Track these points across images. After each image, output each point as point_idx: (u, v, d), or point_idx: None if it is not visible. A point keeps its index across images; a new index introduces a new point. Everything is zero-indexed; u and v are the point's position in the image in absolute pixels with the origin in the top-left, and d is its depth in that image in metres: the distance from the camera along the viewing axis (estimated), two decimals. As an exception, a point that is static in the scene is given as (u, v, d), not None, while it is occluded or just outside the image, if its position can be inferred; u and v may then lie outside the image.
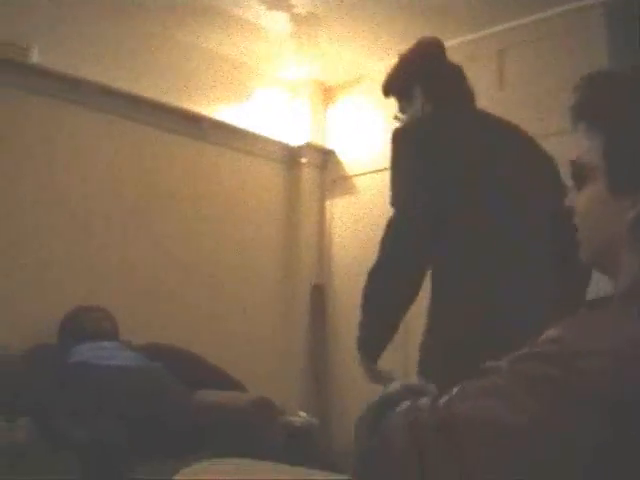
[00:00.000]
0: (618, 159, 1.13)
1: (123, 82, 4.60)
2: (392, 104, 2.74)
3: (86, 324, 4.01)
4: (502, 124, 2.54)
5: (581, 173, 1.19)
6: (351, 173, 5.60)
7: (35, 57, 4.33)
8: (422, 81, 2.56)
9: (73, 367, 3.67)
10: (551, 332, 1.06)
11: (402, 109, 2.67)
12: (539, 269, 2.32)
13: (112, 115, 4.63)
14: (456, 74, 2.60)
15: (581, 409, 0.99)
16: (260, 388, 4.29)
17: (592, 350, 1.00)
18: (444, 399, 1.15)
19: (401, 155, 2.40)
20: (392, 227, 2.34)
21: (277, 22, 4.81)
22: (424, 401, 1.20)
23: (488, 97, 5.02)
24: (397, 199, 2.34)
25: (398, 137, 2.43)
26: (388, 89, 2.72)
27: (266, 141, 5.47)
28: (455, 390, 1.15)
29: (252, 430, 3.61)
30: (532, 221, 2.35)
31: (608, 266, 1.19)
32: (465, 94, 2.58)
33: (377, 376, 2.45)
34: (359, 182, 5.54)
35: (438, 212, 2.25)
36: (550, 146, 4.42)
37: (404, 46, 2.68)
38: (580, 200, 1.20)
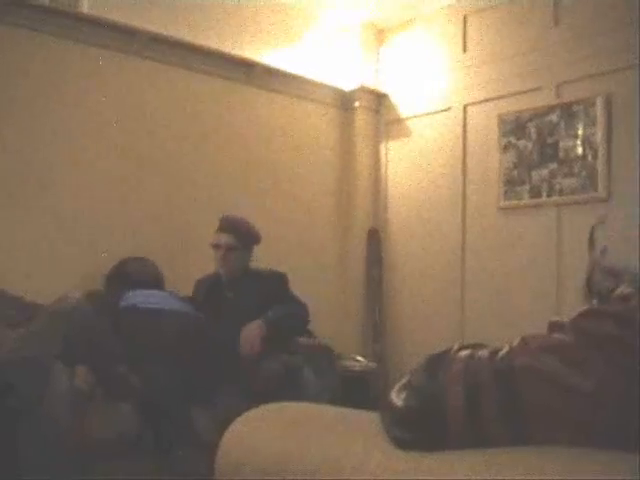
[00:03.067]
0: None
1: (175, 30, 4.61)
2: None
3: (133, 273, 4.06)
4: None
5: None
6: (405, 116, 5.54)
7: (85, 7, 4.36)
8: None
9: (124, 311, 3.71)
10: (621, 289, 1.03)
11: None
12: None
13: (165, 64, 4.65)
14: None
15: None
16: (318, 334, 4.33)
17: None
18: (504, 351, 1.16)
19: None
20: None
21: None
22: (483, 352, 1.20)
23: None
24: None
25: None
26: None
27: (319, 86, 5.43)
28: (515, 342, 1.15)
29: (310, 375, 3.65)
30: None
31: None
32: None
33: None
34: (413, 124, 5.49)
35: None
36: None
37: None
38: None
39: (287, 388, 3.32)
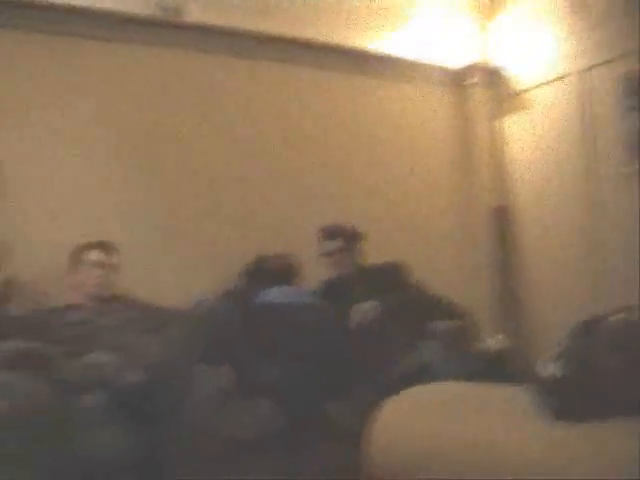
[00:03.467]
0: None
1: (281, 27, 4.63)
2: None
3: (271, 269, 4.12)
4: None
5: None
6: (520, 88, 5.39)
7: (193, 15, 4.42)
8: None
9: (260, 307, 3.79)
10: None
11: None
12: None
13: (272, 61, 4.72)
14: None
15: None
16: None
17: None
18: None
19: None
20: None
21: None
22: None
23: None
24: None
25: None
26: None
27: (430, 67, 5.34)
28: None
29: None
30: None
31: None
32: None
33: None
34: (529, 96, 5.33)
35: None
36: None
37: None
38: None
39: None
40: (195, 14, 4.39)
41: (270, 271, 4.10)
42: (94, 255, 3.70)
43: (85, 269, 3.68)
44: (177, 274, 4.18)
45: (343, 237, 4.08)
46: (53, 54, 4.08)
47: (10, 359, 2.73)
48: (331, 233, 4.10)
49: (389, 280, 3.91)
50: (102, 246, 3.73)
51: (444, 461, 1.29)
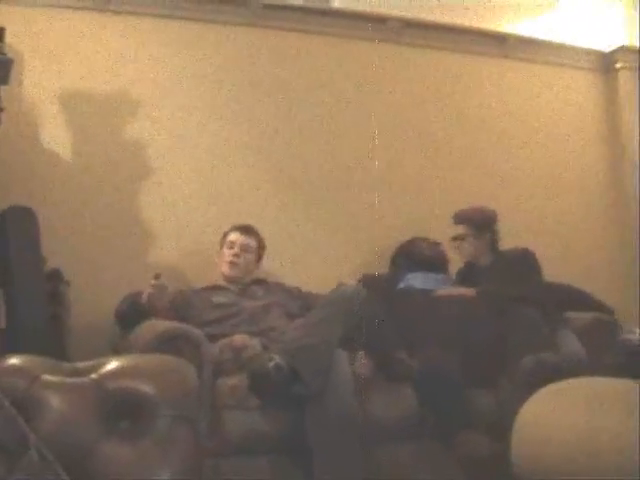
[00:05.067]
0: None
1: (424, 12, 4.64)
2: None
3: (418, 253, 4.12)
4: None
5: None
6: (672, 72, 5.17)
7: (336, 2, 4.52)
8: None
9: (400, 293, 3.81)
10: None
11: None
12: None
13: (416, 47, 4.74)
14: None
15: None
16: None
17: None
18: None
19: None
20: None
21: None
22: None
23: None
24: None
25: None
26: None
27: (576, 50, 5.21)
28: None
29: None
30: None
31: None
32: None
33: None
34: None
35: None
36: None
37: None
38: None
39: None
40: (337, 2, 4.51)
41: (419, 257, 4.10)
42: (232, 236, 3.78)
43: (224, 250, 3.77)
44: (321, 262, 4.25)
45: (468, 223, 3.98)
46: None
47: (159, 340, 2.84)
48: (458, 218, 4.03)
49: (518, 267, 3.82)
50: (241, 228, 3.81)
51: (596, 460, 1.27)
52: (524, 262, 3.83)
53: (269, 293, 3.69)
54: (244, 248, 3.75)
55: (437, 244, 4.20)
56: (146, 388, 1.55)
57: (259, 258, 3.84)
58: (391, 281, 3.99)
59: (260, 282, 3.81)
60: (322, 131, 4.44)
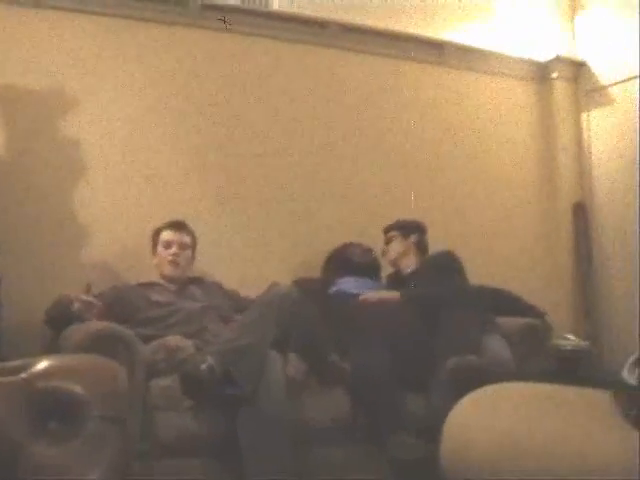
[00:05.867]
0: None
1: (365, 19, 4.68)
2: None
3: (352, 260, 4.13)
4: None
5: None
6: (606, 83, 5.29)
7: (276, 5, 4.51)
8: None
9: (332, 296, 3.83)
10: None
11: None
12: None
13: (356, 52, 4.76)
14: None
15: None
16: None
17: None
18: None
19: None
20: None
21: None
22: None
23: None
24: None
25: None
26: None
27: (513, 59, 5.30)
28: None
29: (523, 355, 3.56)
30: None
31: None
32: None
33: None
34: (614, 92, 5.23)
35: None
36: None
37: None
38: None
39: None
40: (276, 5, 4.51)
41: (352, 262, 4.12)
42: (167, 235, 3.75)
43: (160, 250, 3.73)
44: (254, 263, 4.25)
45: (396, 227, 4.13)
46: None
47: (91, 340, 2.79)
48: (388, 227, 4.17)
49: (439, 269, 3.86)
50: (174, 226, 3.77)
51: (519, 462, 1.29)
52: (445, 264, 3.87)
53: (207, 295, 3.66)
54: (182, 246, 3.71)
55: (370, 250, 4.22)
56: (76, 388, 1.53)
57: (193, 253, 3.82)
58: (323, 285, 4.01)
59: (197, 281, 3.77)
60: (259, 131, 4.43)
